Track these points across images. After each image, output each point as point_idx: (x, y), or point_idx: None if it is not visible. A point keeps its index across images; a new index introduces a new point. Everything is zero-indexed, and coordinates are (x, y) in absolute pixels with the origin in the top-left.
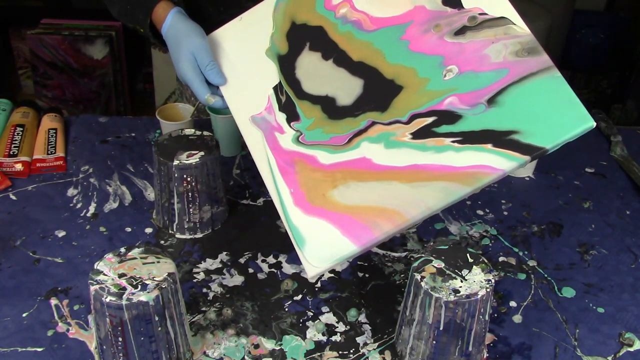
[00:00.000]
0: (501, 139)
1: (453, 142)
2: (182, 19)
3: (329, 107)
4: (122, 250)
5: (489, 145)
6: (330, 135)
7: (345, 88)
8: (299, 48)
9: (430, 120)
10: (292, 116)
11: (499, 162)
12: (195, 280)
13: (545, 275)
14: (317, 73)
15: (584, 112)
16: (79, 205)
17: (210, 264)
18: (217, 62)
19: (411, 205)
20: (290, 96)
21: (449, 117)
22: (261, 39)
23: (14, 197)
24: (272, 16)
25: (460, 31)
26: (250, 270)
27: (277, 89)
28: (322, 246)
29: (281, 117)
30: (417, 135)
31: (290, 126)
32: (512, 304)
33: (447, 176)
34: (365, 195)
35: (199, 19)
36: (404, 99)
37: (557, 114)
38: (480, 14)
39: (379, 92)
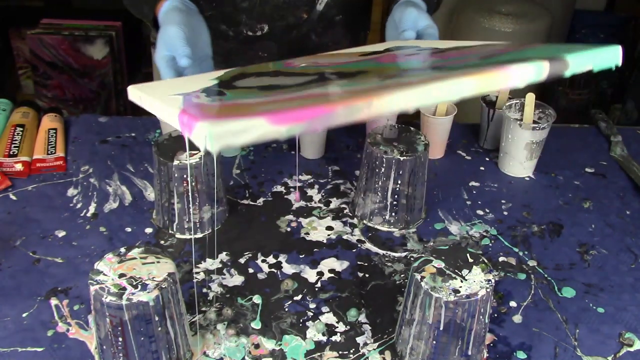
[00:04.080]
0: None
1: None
2: (172, 9)
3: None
4: (122, 250)
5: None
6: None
7: (294, 79)
8: (242, 77)
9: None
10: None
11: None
12: (195, 280)
13: (545, 275)
14: (259, 81)
15: (615, 47)
16: (79, 205)
17: (210, 264)
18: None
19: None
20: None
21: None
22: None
23: (14, 197)
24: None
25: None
26: (250, 270)
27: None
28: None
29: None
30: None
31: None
32: (512, 304)
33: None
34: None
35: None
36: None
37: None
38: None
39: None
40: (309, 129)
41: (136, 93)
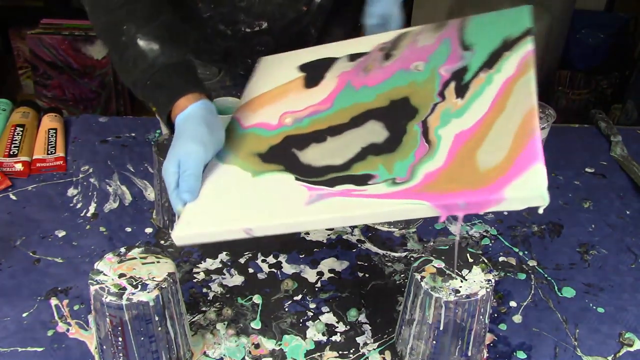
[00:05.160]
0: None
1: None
2: (197, 118)
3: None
4: (122, 250)
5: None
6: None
7: (362, 138)
8: (284, 155)
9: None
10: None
11: None
12: (195, 280)
13: (545, 275)
14: (327, 152)
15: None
16: (79, 205)
17: (210, 264)
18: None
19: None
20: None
21: (458, 75)
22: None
23: (14, 197)
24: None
25: (387, 56)
26: (250, 270)
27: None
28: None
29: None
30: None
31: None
32: (512, 304)
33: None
34: None
35: (184, 12)
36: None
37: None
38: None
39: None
40: None
41: (214, 230)
